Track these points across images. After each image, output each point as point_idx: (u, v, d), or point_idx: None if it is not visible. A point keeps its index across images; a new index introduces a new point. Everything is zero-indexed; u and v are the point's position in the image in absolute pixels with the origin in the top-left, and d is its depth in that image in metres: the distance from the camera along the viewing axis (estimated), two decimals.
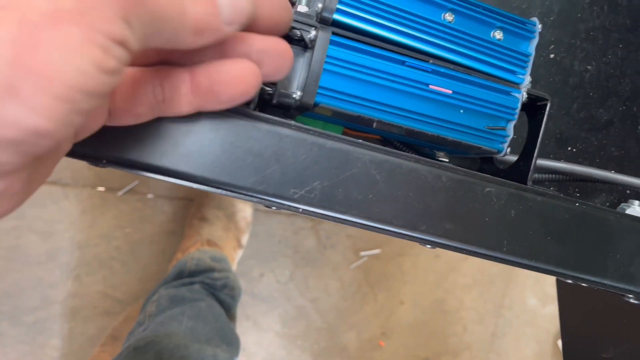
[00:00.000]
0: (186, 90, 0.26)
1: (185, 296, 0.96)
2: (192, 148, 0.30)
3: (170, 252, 1.20)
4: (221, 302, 1.01)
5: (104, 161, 0.29)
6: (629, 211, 0.47)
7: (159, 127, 0.29)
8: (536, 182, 0.44)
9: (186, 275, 1.02)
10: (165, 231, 1.20)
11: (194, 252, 1.08)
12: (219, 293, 1.01)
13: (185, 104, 0.27)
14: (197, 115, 0.30)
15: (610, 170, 0.50)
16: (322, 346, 1.29)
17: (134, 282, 1.19)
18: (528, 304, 1.43)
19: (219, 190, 0.31)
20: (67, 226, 1.14)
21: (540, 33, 0.46)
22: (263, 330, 1.26)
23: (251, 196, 0.32)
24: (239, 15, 0.24)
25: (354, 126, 0.38)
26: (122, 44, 0.19)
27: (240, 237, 1.19)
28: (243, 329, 1.24)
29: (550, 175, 0.44)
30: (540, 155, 0.48)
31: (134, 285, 1.19)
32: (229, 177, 0.31)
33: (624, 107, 0.49)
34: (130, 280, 1.19)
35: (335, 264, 1.30)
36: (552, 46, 0.48)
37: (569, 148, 0.48)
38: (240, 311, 1.22)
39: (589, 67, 0.48)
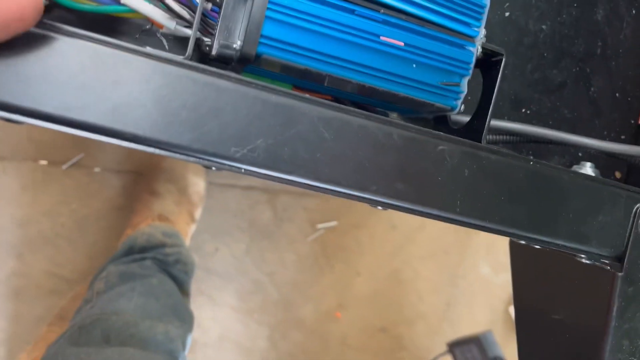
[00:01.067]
0: None
1: (135, 272, 0.92)
2: (120, 101, 0.27)
3: (119, 228, 1.16)
4: (174, 278, 0.98)
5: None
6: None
7: (80, 76, 0.26)
8: (490, 143, 0.43)
9: (137, 251, 0.98)
10: (113, 206, 1.16)
11: (145, 228, 1.04)
12: (172, 269, 0.98)
13: None
14: (124, 64, 0.27)
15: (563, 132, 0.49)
16: (279, 319, 1.28)
17: (82, 260, 1.14)
18: (481, 272, 1.46)
19: (152, 149, 0.28)
20: (7, 202, 1.08)
21: None
22: (218, 305, 1.24)
23: (188, 155, 0.29)
24: None
25: (303, 83, 0.36)
26: None
27: (193, 211, 1.16)
28: (198, 304, 1.21)
29: (504, 137, 0.43)
30: (494, 117, 0.47)
31: (82, 263, 1.14)
32: (162, 134, 0.28)
33: (577, 69, 0.49)
34: (78, 258, 1.14)
35: (291, 237, 1.28)
36: (507, 4, 0.46)
37: (523, 110, 0.48)
38: (194, 287, 1.19)
39: (543, 27, 0.47)
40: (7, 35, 0.23)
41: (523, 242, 0.35)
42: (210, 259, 1.22)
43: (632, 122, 0.50)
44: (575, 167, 0.47)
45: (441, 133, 0.33)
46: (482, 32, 0.34)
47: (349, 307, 1.35)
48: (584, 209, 0.35)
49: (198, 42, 0.33)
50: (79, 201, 1.14)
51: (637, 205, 0.36)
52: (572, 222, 0.35)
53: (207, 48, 0.32)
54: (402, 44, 0.32)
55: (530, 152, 0.48)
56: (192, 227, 1.17)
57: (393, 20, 0.32)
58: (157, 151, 0.28)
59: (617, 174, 0.51)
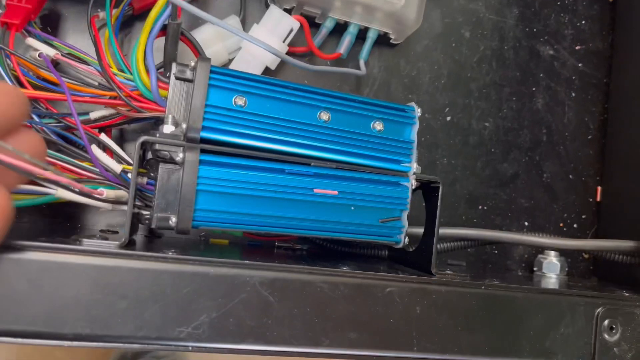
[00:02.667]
0: None
1: None
2: (58, 303, 0.27)
3: None
4: None
5: None
6: (545, 263, 0.47)
7: (9, 287, 0.26)
8: (449, 250, 0.43)
9: (129, 359, 0.96)
10: None
11: None
12: None
13: None
14: (59, 268, 0.27)
15: (524, 222, 0.49)
16: None
17: None
18: None
19: (96, 344, 0.28)
20: None
21: (434, 97, 0.46)
22: None
23: (132, 343, 0.29)
24: None
25: None
26: None
27: None
28: None
29: (461, 243, 0.43)
30: (450, 221, 0.47)
31: None
32: (104, 328, 0.28)
33: (527, 158, 0.49)
34: None
35: None
36: (448, 109, 0.47)
37: (480, 207, 0.48)
38: None
39: (486, 124, 0.48)
40: None
41: None
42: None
43: (591, 200, 0.51)
44: (540, 257, 0.48)
45: (386, 274, 0.33)
46: (414, 166, 0.35)
47: None
48: (544, 324, 0.35)
49: (138, 217, 0.33)
50: None
51: (598, 310, 0.36)
52: (534, 339, 0.35)
53: (147, 221, 0.33)
54: (335, 192, 0.33)
55: (494, 247, 0.48)
56: None
57: (324, 171, 0.33)
58: (100, 345, 0.28)
59: (585, 254, 0.51)
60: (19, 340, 0.27)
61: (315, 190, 0.33)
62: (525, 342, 0.35)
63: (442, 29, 0.48)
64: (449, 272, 0.36)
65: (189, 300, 0.30)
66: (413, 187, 0.35)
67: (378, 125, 0.34)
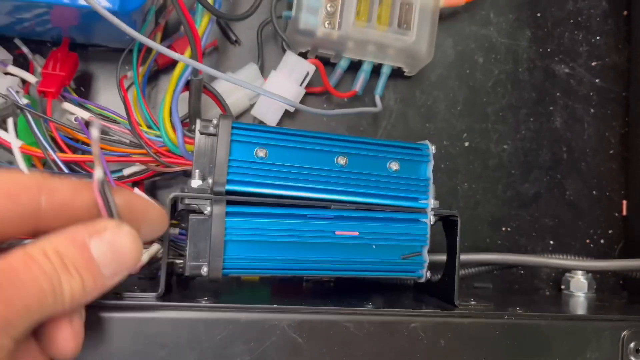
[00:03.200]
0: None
1: None
2: (93, 352, 0.29)
3: None
4: None
5: None
6: (572, 282, 0.47)
7: None
8: (474, 275, 0.44)
9: None
10: None
11: None
12: None
13: None
14: (96, 316, 0.29)
15: (549, 241, 0.50)
16: None
17: None
18: None
19: None
20: None
21: (451, 123, 0.47)
22: None
23: None
24: (124, 267, 0.24)
25: None
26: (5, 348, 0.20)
27: None
28: None
29: (486, 267, 0.44)
30: (474, 245, 0.48)
31: None
32: None
33: (548, 177, 0.50)
34: None
35: None
36: (465, 134, 0.48)
37: (503, 229, 0.49)
38: None
39: (505, 147, 0.49)
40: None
41: None
42: None
43: (617, 214, 0.51)
44: (567, 276, 0.48)
45: (410, 310, 0.34)
46: (432, 202, 0.36)
47: None
48: (569, 350, 0.36)
49: (172, 266, 0.35)
50: None
51: (623, 333, 0.36)
52: None
53: (180, 269, 0.35)
54: (356, 233, 0.35)
55: (520, 267, 0.49)
56: None
57: (344, 213, 0.35)
58: None
59: None
60: None
61: (336, 232, 0.34)
62: None
63: (455, 56, 0.49)
64: (472, 302, 0.37)
65: (223, 346, 0.31)
66: (432, 222, 0.36)
67: (394, 165, 0.36)
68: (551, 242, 0.49)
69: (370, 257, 0.35)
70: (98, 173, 0.23)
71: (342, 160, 0.35)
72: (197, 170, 0.34)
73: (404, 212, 0.36)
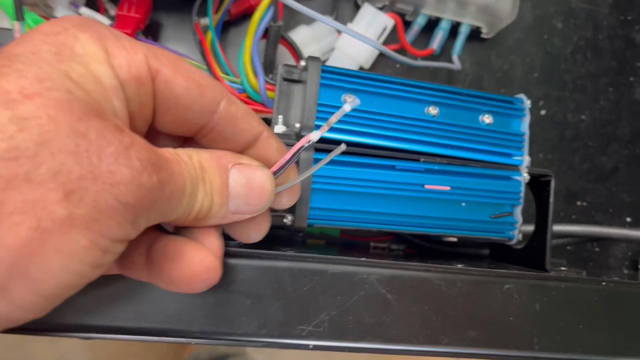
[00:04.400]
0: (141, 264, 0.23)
1: None
2: (181, 304, 0.28)
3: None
4: None
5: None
6: None
7: (138, 289, 0.27)
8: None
9: None
10: None
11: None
12: None
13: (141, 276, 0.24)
14: None
15: (626, 218, 0.47)
16: None
17: None
18: None
19: (220, 342, 0.29)
20: None
21: (527, 90, 0.44)
22: None
23: (256, 342, 0.29)
24: (249, 207, 0.23)
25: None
26: (124, 241, 0.19)
27: None
28: None
29: (563, 240, 0.42)
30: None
31: None
32: (228, 326, 0.29)
33: (627, 151, 0.47)
34: None
35: None
36: (542, 102, 0.46)
37: (578, 203, 0.46)
38: None
39: (582, 117, 0.47)
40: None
41: None
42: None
43: None
44: None
45: (504, 270, 0.32)
46: (527, 159, 0.34)
47: None
48: None
49: None
50: None
51: None
52: None
53: None
54: (448, 188, 0.32)
55: (595, 244, 0.46)
56: None
57: (435, 167, 0.32)
58: (225, 343, 0.29)
59: None
60: (152, 338, 0.28)
61: (426, 186, 0.32)
62: None
63: (533, 20, 0.46)
64: (563, 268, 0.35)
65: (309, 298, 0.30)
66: (526, 180, 0.34)
67: (487, 119, 0.34)
68: (628, 219, 0.47)
69: (459, 215, 0.33)
70: (315, 136, 0.23)
71: (433, 110, 0.33)
72: (280, 116, 0.33)
73: (497, 168, 0.34)
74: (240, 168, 0.23)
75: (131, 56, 0.20)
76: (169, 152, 0.20)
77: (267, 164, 0.25)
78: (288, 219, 0.31)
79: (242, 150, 0.24)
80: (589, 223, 0.46)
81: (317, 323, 0.30)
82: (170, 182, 0.19)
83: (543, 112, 0.46)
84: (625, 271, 0.46)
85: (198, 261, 0.22)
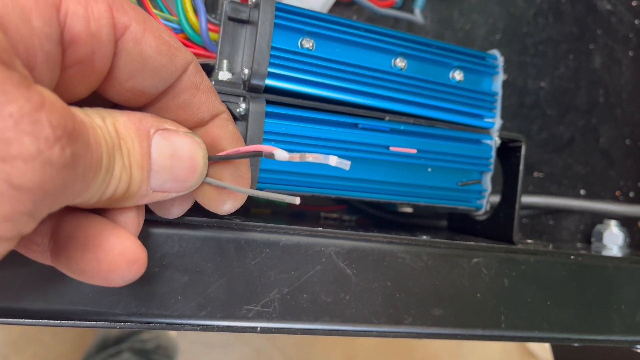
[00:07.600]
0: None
1: None
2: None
3: None
4: None
5: None
6: (605, 233, 0.43)
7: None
8: None
9: (112, 344, 0.91)
10: None
11: None
12: (153, 356, 0.90)
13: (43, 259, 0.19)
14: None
15: (579, 190, 0.46)
16: None
17: (69, 352, 1.07)
18: None
19: (151, 325, 0.24)
20: None
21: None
22: None
23: (193, 325, 0.25)
24: (175, 185, 0.19)
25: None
26: (14, 239, 0.14)
27: None
28: None
29: (524, 211, 0.40)
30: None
31: (70, 355, 1.07)
32: (161, 307, 0.24)
33: (584, 121, 0.46)
34: (65, 350, 1.07)
35: None
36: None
37: (535, 174, 0.44)
38: None
39: (542, 84, 0.45)
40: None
41: (577, 344, 0.31)
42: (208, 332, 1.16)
43: None
44: (598, 227, 0.44)
45: (472, 243, 0.29)
46: (498, 122, 0.31)
47: (358, 359, 1.30)
48: (633, 296, 0.32)
49: None
50: None
51: None
52: (624, 313, 0.31)
53: None
54: (414, 151, 0.29)
55: (549, 216, 0.45)
56: None
57: (400, 127, 0.29)
58: (156, 327, 0.24)
59: None
60: (66, 322, 0.23)
61: (391, 147, 0.29)
62: (616, 317, 0.31)
63: None
64: (529, 240, 0.33)
65: (258, 274, 0.25)
66: (497, 145, 0.31)
67: (458, 75, 0.30)
68: (582, 191, 0.46)
69: (424, 181, 0.30)
70: (281, 155, 0.19)
71: (400, 63, 0.29)
72: (224, 61, 0.28)
73: (467, 131, 0.30)
74: (165, 134, 0.18)
75: (90, 3, 0.15)
76: (83, 113, 0.15)
77: (215, 150, 0.20)
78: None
79: (191, 128, 0.20)
80: (544, 194, 0.44)
81: (266, 302, 0.25)
82: (86, 155, 0.14)
83: (505, 77, 0.43)
84: (579, 244, 0.45)
85: (119, 252, 0.17)
